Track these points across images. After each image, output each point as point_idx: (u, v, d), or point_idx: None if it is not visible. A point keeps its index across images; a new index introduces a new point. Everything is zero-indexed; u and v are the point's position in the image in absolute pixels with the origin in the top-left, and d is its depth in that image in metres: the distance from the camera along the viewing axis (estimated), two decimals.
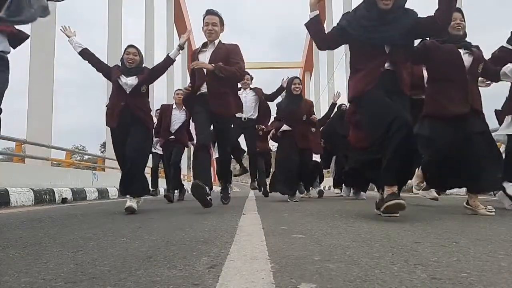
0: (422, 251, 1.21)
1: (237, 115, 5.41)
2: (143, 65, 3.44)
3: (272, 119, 6.15)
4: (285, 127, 4.73)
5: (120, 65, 3.40)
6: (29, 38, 2.07)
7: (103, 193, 7.07)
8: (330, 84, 19.78)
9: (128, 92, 3.25)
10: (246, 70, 5.59)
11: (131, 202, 3.11)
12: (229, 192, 4.05)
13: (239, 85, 4.75)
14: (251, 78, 5.66)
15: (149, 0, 16.76)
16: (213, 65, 3.08)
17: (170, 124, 5.29)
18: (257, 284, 0.87)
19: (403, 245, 1.33)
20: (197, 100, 3.25)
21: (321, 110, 16.57)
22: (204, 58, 3.22)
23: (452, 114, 2.51)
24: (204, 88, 3.20)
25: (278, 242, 1.45)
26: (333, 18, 17.62)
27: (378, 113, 2.24)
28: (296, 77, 4.94)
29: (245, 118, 5.45)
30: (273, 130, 4.98)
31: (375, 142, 2.27)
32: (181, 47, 3.39)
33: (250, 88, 5.60)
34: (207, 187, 2.87)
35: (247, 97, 5.45)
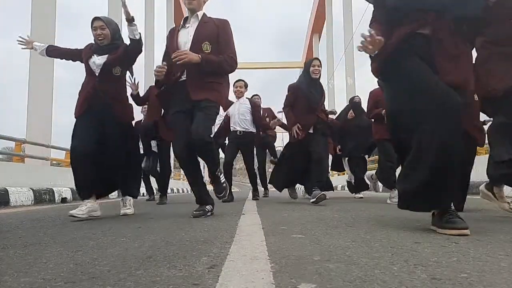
0: (422, 251, 1.21)
1: (231, 128, 4.92)
2: (122, 41, 2.84)
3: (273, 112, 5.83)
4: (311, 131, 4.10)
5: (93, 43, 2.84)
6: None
7: None
8: (330, 84, 19.79)
9: (97, 74, 2.72)
10: (242, 79, 5.15)
11: (124, 209, 2.97)
12: (222, 180, 2.78)
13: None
14: (246, 86, 5.14)
15: (149, 0, 16.80)
16: (200, 56, 2.45)
17: (157, 105, 4.46)
18: (257, 284, 0.87)
19: (403, 245, 1.33)
20: (173, 92, 2.59)
21: None
22: (186, 36, 2.58)
23: (495, 91, 2.10)
24: (184, 77, 2.58)
25: (278, 242, 1.45)
26: (333, 18, 17.69)
27: (407, 84, 1.62)
28: (316, 58, 4.24)
29: (240, 132, 4.94)
30: (297, 129, 4.01)
31: (401, 138, 1.68)
32: (128, 20, 2.68)
33: (246, 98, 5.07)
34: (206, 207, 2.62)
35: (240, 108, 4.93)
